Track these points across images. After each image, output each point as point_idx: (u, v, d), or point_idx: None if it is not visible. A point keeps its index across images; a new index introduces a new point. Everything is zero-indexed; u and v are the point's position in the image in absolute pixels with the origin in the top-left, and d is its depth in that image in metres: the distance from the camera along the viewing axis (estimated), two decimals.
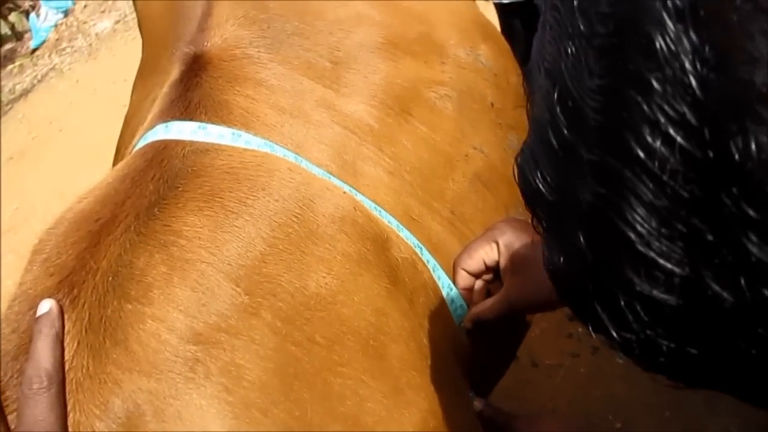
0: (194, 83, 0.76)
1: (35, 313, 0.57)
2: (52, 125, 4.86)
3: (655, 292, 0.32)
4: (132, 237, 0.59)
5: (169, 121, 0.71)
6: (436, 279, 0.77)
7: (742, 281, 0.30)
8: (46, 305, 0.56)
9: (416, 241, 0.77)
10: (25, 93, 5.69)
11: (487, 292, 0.82)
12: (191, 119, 0.71)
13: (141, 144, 0.71)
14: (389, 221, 0.75)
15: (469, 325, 0.79)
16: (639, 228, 0.31)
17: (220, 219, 0.61)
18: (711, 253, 0.30)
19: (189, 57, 0.79)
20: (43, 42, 6.16)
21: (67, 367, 0.55)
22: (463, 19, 1.02)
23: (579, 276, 0.36)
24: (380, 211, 0.74)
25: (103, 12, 5.84)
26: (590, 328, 0.38)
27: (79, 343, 0.56)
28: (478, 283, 0.80)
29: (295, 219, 0.64)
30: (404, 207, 0.78)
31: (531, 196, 0.37)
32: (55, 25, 6.12)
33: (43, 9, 6.19)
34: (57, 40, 6.05)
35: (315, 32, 0.87)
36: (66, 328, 0.56)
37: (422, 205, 0.81)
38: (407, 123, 0.86)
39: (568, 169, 0.33)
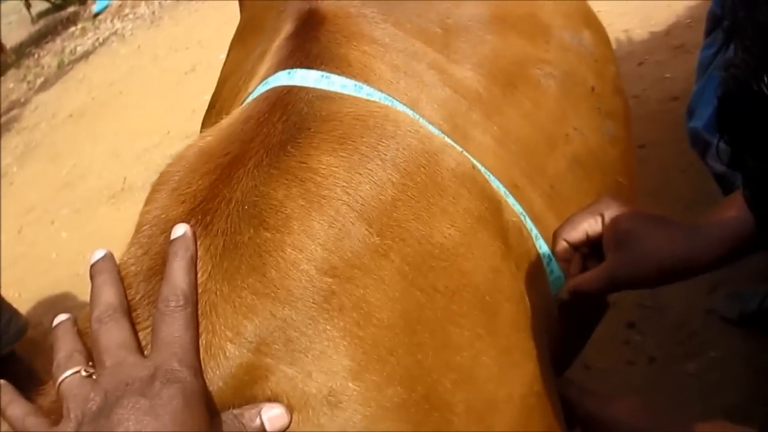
0: (311, 36, 0.77)
1: (168, 236, 0.57)
2: (113, 87, 4.95)
3: None
4: (267, 170, 0.60)
5: (292, 68, 0.71)
6: (538, 248, 0.77)
7: None
8: (181, 229, 0.57)
9: (521, 209, 0.77)
10: (87, 55, 5.80)
11: (584, 267, 0.81)
12: (313, 68, 0.72)
13: (262, 89, 0.72)
14: (497, 186, 0.75)
15: (566, 296, 0.78)
16: None
17: (354, 161, 0.61)
18: None
19: (303, 12, 0.80)
20: (106, 7, 6.28)
21: (200, 290, 0.55)
22: (567, 5, 1.02)
23: None
24: (489, 176, 0.74)
25: None
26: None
27: (213, 267, 0.56)
28: (576, 256, 0.80)
29: (422, 169, 0.64)
30: (509, 176, 0.78)
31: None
32: None
33: None
34: (120, 5, 6.17)
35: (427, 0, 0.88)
36: (199, 254, 0.57)
37: (525, 176, 0.81)
38: (512, 96, 0.86)
39: None
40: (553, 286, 0.80)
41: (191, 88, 4.00)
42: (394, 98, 0.72)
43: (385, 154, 0.62)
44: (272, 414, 0.53)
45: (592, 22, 1.06)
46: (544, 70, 0.91)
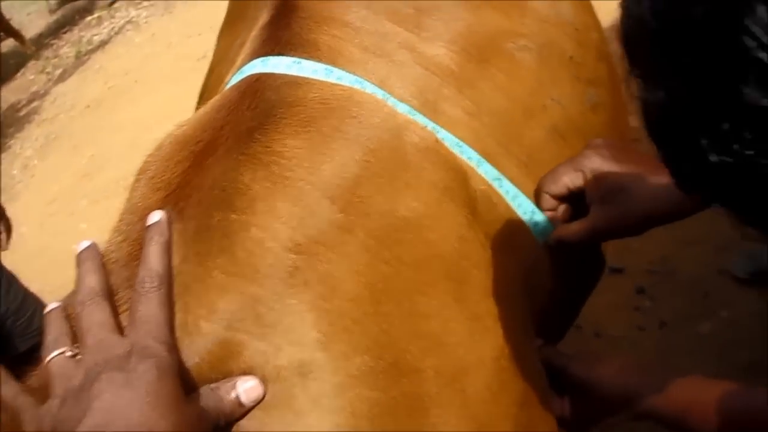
0: (284, 24, 0.79)
1: (145, 223, 0.61)
2: (128, 76, 5.01)
3: (764, 101, 0.34)
4: (235, 156, 0.63)
5: (265, 56, 0.74)
6: (516, 207, 0.79)
7: None
8: (157, 215, 0.61)
9: (496, 173, 0.79)
10: (103, 44, 5.88)
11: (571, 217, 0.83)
12: (285, 54, 0.74)
13: (238, 77, 0.75)
14: (469, 156, 0.77)
15: (553, 242, 0.81)
16: (757, 31, 0.34)
17: (316, 142, 0.64)
18: None
19: (278, 1, 0.82)
20: None
21: (175, 272, 0.59)
22: None
23: (684, 107, 0.38)
24: (461, 146, 0.76)
25: None
26: (688, 169, 0.40)
27: (187, 250, 0.60)
28: (562, 207, 0.82)
29: (385, 145, 0.66)
30: (483, 146, 0.80)
31: (633, 32, 0.41)
32: None
33: None
34: None
35: None
36: (174, 238, 0.60)
37: (500, 146, 0.83)
38: (486, 70, 0.88)
39: None
40: (540, 235, 0.82)
41: (204, 74, 4.02)
42: (363, 79, 0.75)
43: (347, 134, 0.65)
44: (247, 386, 0.57)
45: None
46: (519, 43, 0.92)
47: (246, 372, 0.57)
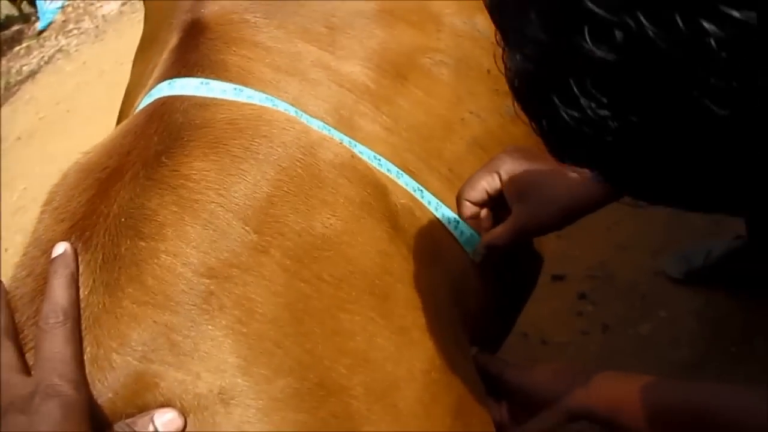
0: (192, 45, 0.78)
1: (50, 256, 0.58)
2: (60, 106, 4.87)
3: (599, 53, 0.37)
4: (142, 182, 0.61)
5: (173, 78, 0.73)
6: (439, 217, 0.79)
7: (677, 15, 0.34)
8: (61, 248, 0.58)
9: (416, 185, 0.79)
10: (33, 74, 5.70)
11: (496, 221, 0.84)
12: (192, 76, 0.73)
13: (146, 101, 0.73)
14: (388, 169, 0.77)
15: (482, 250, 0.81)
16: None
17: (226, 163, 0.62)
18: None
19: (187, 23, 0.81)
20: (50, 23, 6.19)
21: (83, 305, 0.56)
22: None
23: (536, 65, 0.41)
24: (379, 160, 0.76)
25: None
26: (551, 131, 0.43)
27: (94, 281, 0.57)
28: (484, 212, 0.83)
29: (297, 163, 0.66)
30: (402, 160, 0.81)
31: (493, 2, 0.46)
32: (62, 7, 6.16)
33: None
34: (64, 21, 6.07)
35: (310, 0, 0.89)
36: (80, 269, 0.58)
37: (420, 160, 0.83)
38: (403, 87, 0.88)
39: None
40: (467, 245, 0.83)
41: None
42: (275, 97, 0.74)
43: (258, 153, 0.64)
44: (165, 419, 0.54)
45: None
46: (435, 59, 0.93)
47: (164, 404, 0.55)
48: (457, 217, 0.81)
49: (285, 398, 0.57)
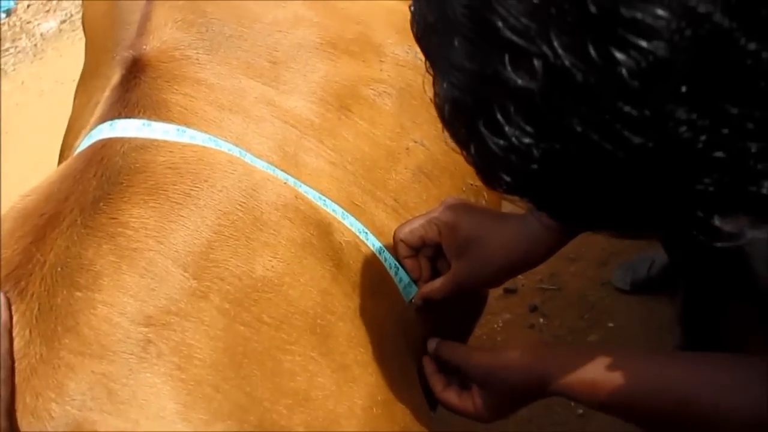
0: (133, 84, 0.78)
1: None
2: None
3: (520, 81, 0.38)
4: (79, 230, 0.61)
5: (113, 119, 0.73)
6: (382, 261, 0.80)
7: (589, 45, 0.36)
8: None
9: (361, 227, 0.80)
10: None
11: (436, 269, 0.85)
12: (134, 117, 0.73)
13: (86, 143, 0.73)
14: (333, 209, 0.78)
15: (419, 302, 0.82)
16: (503, 12, 0.38)
17: (165, 210, 0.63)
18: (558, 18, 0.36)
19: (128, 60, 0.81)
20: None
21: (20, 356, 0.56)
22: (401, 19, 1.06)
23: (462, 93, 0.42)
24: (324, 200, 0.77)
25: (47, 12, 5.71)
26: (479, 159, 0.44)
27: (30, 332, 0.57)
28: (424, 261, 0.84)
29: (239, 207, 0.66)
30: (348, 195, 0.82)
31: (420, 30, 0.48)
32: None
33: None
34: None
35: (253, 34, 0.90)
36: (15, 319, 0.58)
37: (365, 193, 0.85)
38: (347, 118, 0.89)
39: None
40: (405, 293, 0.84)
41: None
42: (218, 138, 0.75)
43: (198, 199, 0.65)
44: None
45: None
46: (378, 89, 0.94)
47: None
48: (397, 263, 0.82)
49: None
